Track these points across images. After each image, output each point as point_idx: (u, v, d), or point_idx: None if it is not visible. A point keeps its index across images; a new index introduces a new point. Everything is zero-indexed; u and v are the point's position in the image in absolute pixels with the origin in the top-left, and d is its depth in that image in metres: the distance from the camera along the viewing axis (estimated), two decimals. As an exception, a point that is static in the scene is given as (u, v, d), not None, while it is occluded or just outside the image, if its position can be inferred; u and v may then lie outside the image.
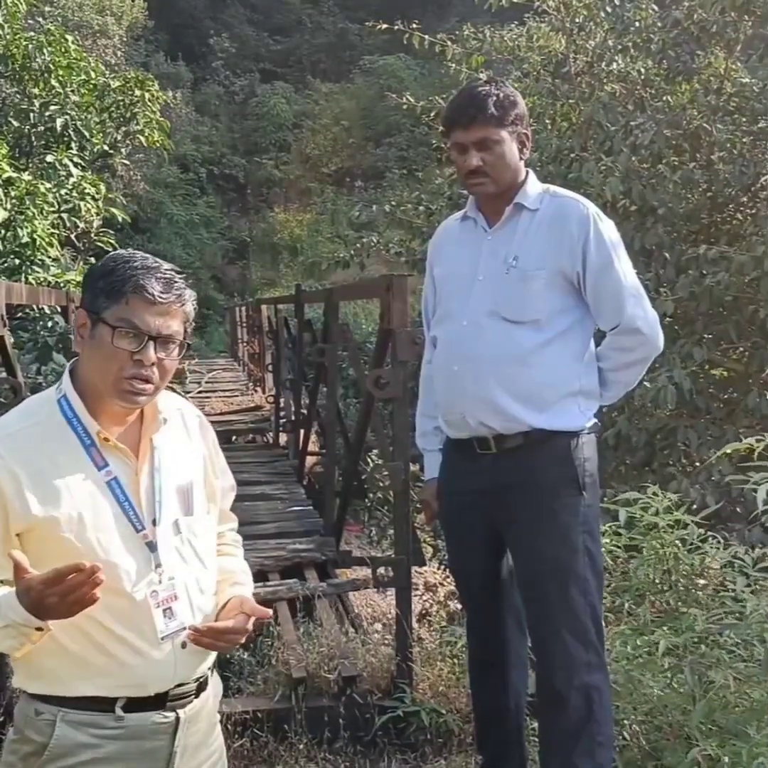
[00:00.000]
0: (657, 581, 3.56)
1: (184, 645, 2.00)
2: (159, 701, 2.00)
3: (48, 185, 11.47)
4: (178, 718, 2.02)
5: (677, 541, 3.45)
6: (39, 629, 1.83)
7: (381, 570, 4.63)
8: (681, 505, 3.58)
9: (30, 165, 13.54)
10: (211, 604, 2.09)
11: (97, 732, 1.95)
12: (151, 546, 1.99)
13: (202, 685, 2.10)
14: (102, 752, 1.95)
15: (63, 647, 1.92)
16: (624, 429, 5.77)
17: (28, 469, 1.91)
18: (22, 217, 10.34)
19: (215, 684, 2.19)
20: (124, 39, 31.23)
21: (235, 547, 2.34)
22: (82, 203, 12.52)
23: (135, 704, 1.97)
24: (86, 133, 14.53)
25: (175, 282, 1.97)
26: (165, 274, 1.96)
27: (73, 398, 1.99)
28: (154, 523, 2.00)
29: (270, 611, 2.16)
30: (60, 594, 1.77)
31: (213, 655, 2.12)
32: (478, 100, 3.00)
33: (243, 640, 2.08)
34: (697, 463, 5.83)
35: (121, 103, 16.15)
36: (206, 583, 2.09)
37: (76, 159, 13.29)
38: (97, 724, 1.95)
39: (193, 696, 2.06)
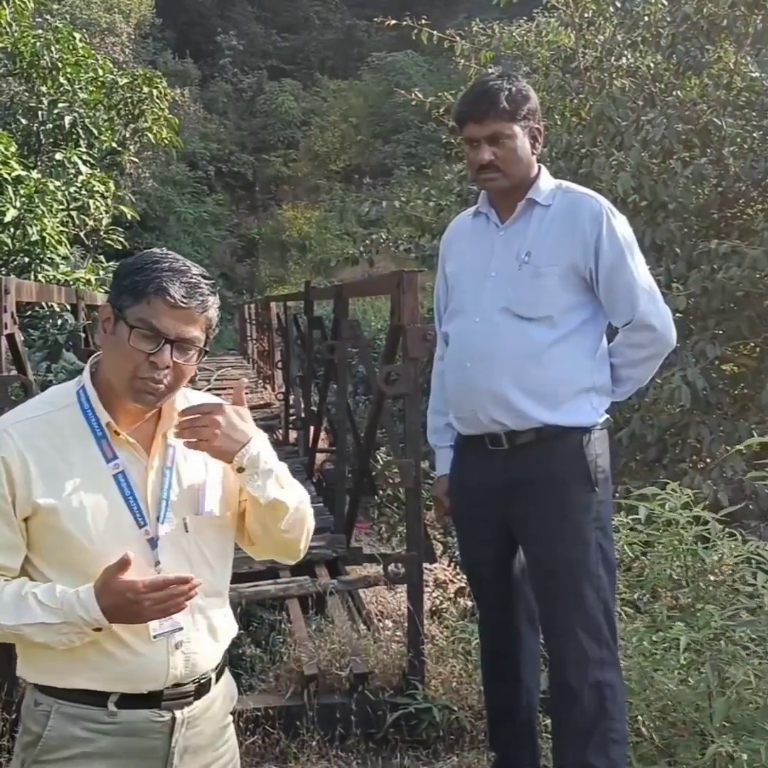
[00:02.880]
0: (673, 577, 3.55)
1: (177, 645, 1.98)
2: (153, 700, 1.98)
3: (57, 183, 11.48)
4: (174, 718, 2.00)
5: (694, 537, 3.43)
6: (97, 630, 1.88)
7: (392, 567, 4.63)
8: (697, 502, 3.56)
9: (39, 163, 13.55)
10: (218, 608, 2.08)
11: (90, 726, 1.95)
12: (152, 542, 1.97)
13: (202, 688, 2.07)
14: (95, 747, 1.95)
15: None
16: (638, 429, 5.75)
17: (37, 456, 1.92)
18: (32, 215, 10.35)
19: (228, 687, 2.17)
20: (132, 36, 31.29)
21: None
22: (91, 201, 12.53)
23: (128, 701, 1.96)
24: (95, 131, 14.54)
25: (200, 287, 1.95)
26: (191, 278, 1.94)
27: (89, 390, 2.00)
28: (158, 519, 1.99)
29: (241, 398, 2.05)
30: (156, 600, 1.85)
31: (217, 658, 2.10)
32: (491, 95, 2.99)
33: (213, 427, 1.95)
34: (708, 459, 5.81)
35: (129, 101, 16.17)
36: (212, 586, 2.06)
37: (84, 157, 13.29)
38: (91, 718, 1.95)
39: (192, 697, 2.04)
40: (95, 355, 2.08)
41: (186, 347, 1.96)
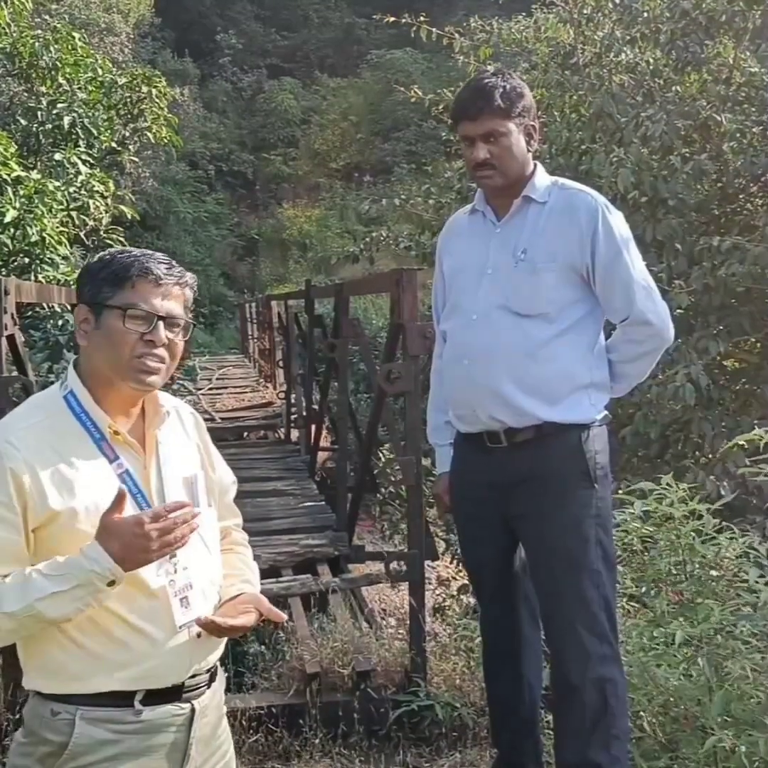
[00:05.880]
0: (673, 572, 3.54)
1: (198, 634, 2.01)
2: (175, 693, 2.01)
3: (57, 183, 11.44)
4: (193, 710, 2.04)
5: (692, 532, 3.43)
6: (111, 584, 1.85)
7: (394, 564, 4.63)
8: (695, 496, 3.56)
9: (38, 163, 13.50)
10: (218, 595, 2.12)
11: (116, 727, 1.96)
12: None
13: (213, 676, 2.13)
14: (122, 747, 1.96)
15: (78, 643, 1.94)
16: (641, 428, 5.75)
17: (44, 463, 1.92)
18: (31, 215, 10.31)
19: (221, 677, 2.21)
20: (131, 36, 31.17)
21: (244, 546, 2.36)
22: (91, 201, 12.48)
23: (152, 697, 1.98)
24: (94, 131, 14.48)
25: (175, 265, 2.04)
26: (163, 259, 2.03)
27: (81, 393, 2.01)
28: None
29: (284, 616, 2.18)
30: (161, 530, 1.84)
31: (222, 647, 2.14)
32: (485, 93, 3.00)
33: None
34: (711, 455, 5.80)
35: (129, 100, 16.11)
36: (215, 574, 2.13)
37: (84, 157, 13.25)
38: (117, 720, 1.96)
39: (205, 687, 2.09)
40: (74, 358, 2.09)
41: (174, 323, 2.03)
